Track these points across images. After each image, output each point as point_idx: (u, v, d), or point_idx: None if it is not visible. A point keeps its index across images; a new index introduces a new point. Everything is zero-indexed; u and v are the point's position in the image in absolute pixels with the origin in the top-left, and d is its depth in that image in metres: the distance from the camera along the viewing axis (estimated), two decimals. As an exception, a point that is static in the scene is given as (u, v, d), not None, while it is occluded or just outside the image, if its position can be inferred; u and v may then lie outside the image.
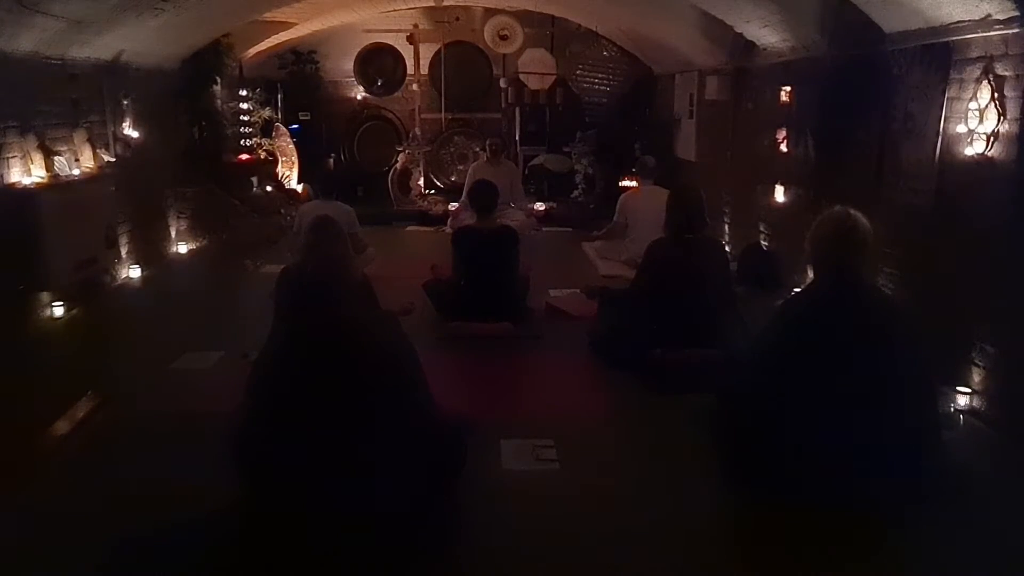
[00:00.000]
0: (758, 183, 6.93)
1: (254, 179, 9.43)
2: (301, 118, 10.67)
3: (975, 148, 3.88)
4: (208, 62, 8.10)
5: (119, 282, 6.44)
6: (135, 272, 6.66)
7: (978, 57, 3.88)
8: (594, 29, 10.53)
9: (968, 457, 3.47)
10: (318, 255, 3.32)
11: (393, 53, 11.08)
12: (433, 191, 10.98)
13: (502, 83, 11.10)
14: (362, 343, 2.78)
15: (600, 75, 10.95)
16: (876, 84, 4.91)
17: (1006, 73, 3.68)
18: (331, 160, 10.82)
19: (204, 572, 2.65)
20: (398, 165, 10.64)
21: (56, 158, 5.41)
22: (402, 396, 2.79)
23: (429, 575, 2.73)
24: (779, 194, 6.49)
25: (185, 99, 8.06)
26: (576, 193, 10.53)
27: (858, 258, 3.05)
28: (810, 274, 3.26)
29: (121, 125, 6.61)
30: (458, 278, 5.42)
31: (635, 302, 4.73)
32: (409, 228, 9.75)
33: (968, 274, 3.95)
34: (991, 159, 3.78)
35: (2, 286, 4.82)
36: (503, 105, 11.22)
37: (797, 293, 4.26)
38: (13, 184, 4.97)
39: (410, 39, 10.91)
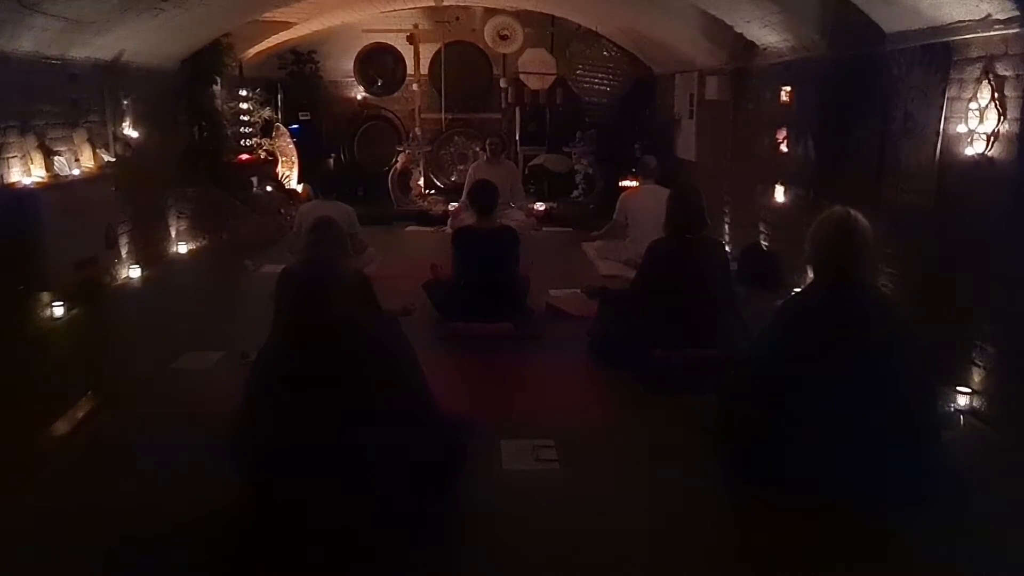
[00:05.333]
0: (758, 183, 6.93)
1: (254, 179, 9.43)
2: (301, 118, 10.67)
3: (975, 148, 3.88)
4: (208, 62, 8.10)
5: (119, 282, 6.44)
6: (135, 272, 6.66)
7: (978, 57, 3.88)
8: (594, 29, 10.53)
9: (968, 457, 3.47)
10: (318, 255, 3.33)
11: (393, 53, 11.09)
12: (433, 191, 10.98)
13: (502, 83, 11.11)
14: (361, 343, 2.78)
15: (600, 75, 10.95)
16: (876, 84, 4.91)
17: (1006, 73, 3.68)
18: (331, 160, 10.83)
19: (204, 572, 2.65)
20: (398, 165, 10.64)
21: (56, 158, 5.41)
22: (401, 396, 2.79)
23: (429, 575, 2.73)
24: (779, 194, 6.49)
25: (185, 99, 8.06)
26: (576, 193, 10.54)
27: (858, 258, 3.05)
28: (810, 274, 3.26)
29: (121, 125, 6.61)
30: (458, 278, 5.42)
31: (635, 302, 4.73)
32: (409, 228, 9.75)
33: (968, 274, 3.96)
34: (991, 159, 3.78)
35: (2, 286, 4.82)
36: (503, 105, 11.23)
37: (797, 293, 4.26)
38: (13, 184, 4.97)
39: (410, 39, 10.92)
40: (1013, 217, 3.62)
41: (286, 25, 9.28)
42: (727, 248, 6.13)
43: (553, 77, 10.84)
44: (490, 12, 10.92)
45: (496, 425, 3.74)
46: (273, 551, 2.61)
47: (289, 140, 10.18)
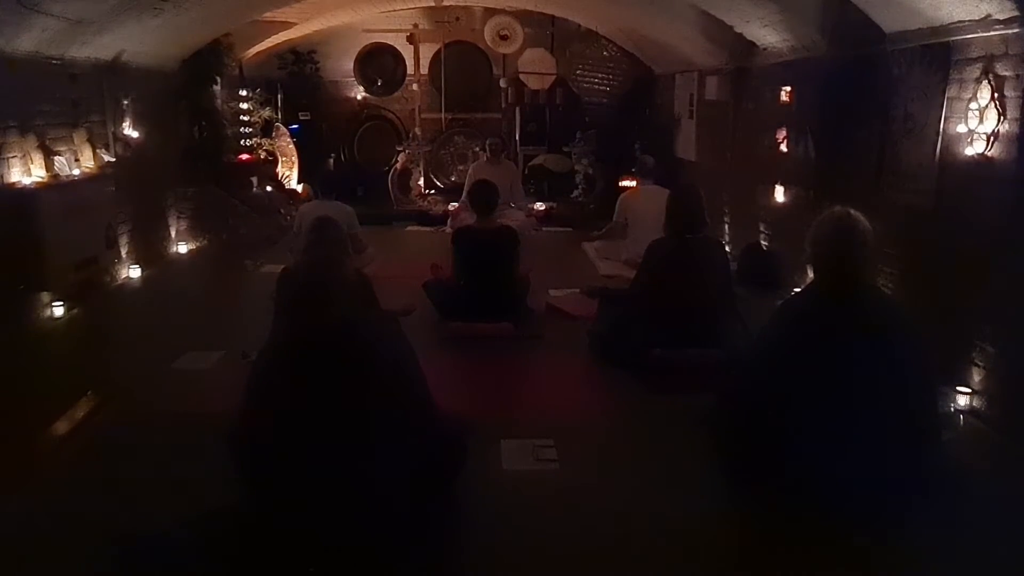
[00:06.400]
0: (758, 183, 6.93)
1: (254, 179, 9.43)
2: (301, 118, 10.67)
3: (975, 148, 3.88)
4: (208, 62, 8.10)
5: (119, 282, 6.44)
6: (135, 272, 6.66)
7: (978, 57, 3.88)
8: (594, 29, 10.53)
9: (968, 457, 3.47)
10: (318, 255, 3.33)
11: (393, 53, 11.09)
12: (433, 191, 10.98)
13: (502, 83, 11.11)
14: (361, 343, 2.78)
15: (600, 75, 10.95)
16: (876, 84, 4.91)
17: (1006, 73, 3.68)
18: (331, 160, 10.83)
19: (204, 572, 2.65)
20: (398, 165, 10.65)
21: (56, 158, 5.41)
22: (401, 396, 2.79)
23: (429, 575, 2.73)
24: (779, 194, 6.49)
25: (185, 99, 8.06)
26: (576, 193, 10.53)
27: (858, 258, 3.05)
28: (810, 274, 3.26)
29: (121, 125, 6.62)
30: (458, 278, 5.42)
31: (635, 302, 4.73)
32: (409, 228, 9.75)
33: (968, 274, 3.95)
34: (991, 159, 3.79)
35: (2, 286, 4.82)
36: (503, 105, 11.23)
37: (797, 293, 4.26)
38: (13, 184, 4.97)
39: (410, 39, 10.92)
40: (1013, 217, 3.62)
41: (286, 25, 9.28)
42: (727, 248, 6.13)
43: (553, 77, 10.84)
44: (490, 12, 10.92)
45: (496, 425, 3.74)
46: (273, 551, 2.61)
47: (289, 140, 10.18)
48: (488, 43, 10.97)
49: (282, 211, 9.02)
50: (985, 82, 3.79)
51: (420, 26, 10.99)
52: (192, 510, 2.86)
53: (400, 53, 11.06)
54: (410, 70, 11.02)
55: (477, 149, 10.55)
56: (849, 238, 3.02)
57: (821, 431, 2.89)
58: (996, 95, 3.72)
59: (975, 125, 3.87)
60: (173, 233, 7.83)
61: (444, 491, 3.01)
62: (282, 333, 3.00)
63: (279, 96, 10.55)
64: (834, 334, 2.98)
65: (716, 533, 3.02)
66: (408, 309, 4.70)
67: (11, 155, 4.97)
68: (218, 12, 7.00)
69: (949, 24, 4.01)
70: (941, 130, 4.20)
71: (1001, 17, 3.61)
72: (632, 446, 3.74)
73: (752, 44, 6.77)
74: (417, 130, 10.87)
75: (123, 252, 6.55)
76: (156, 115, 7.28)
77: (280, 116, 10.36)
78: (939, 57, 4.19)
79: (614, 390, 4.41)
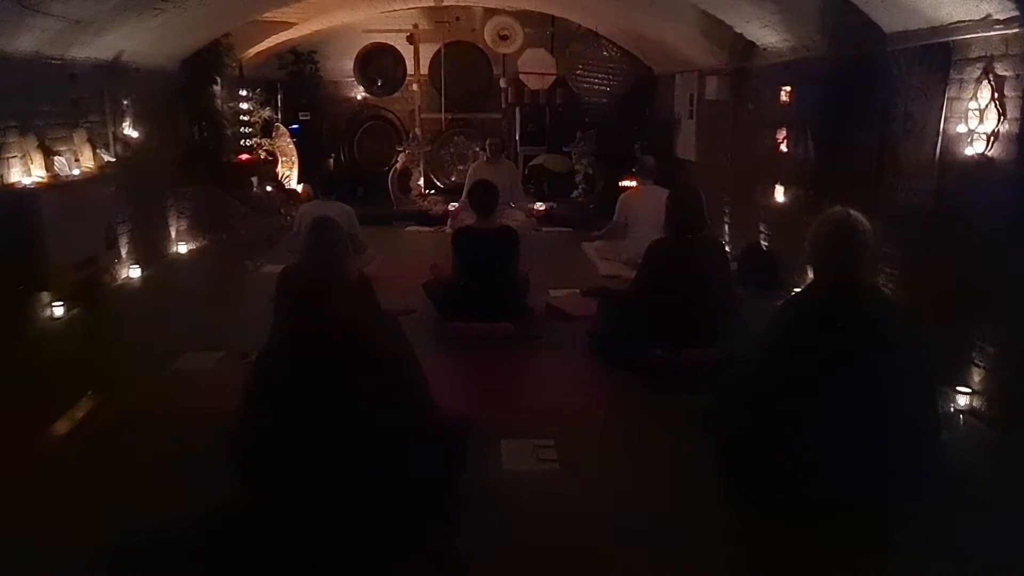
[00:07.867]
0: (758, 183, 6.93)
1: (254, 179, 9.43)
2: (301, 118, 10.67)
3: (975, 148, 3.88)
4: (208, 62, 8.09)
5: (119, 282, 6.44)
6: (135, 272, 6.66)
7: (978, 57, 3.88)
8: (594, 29, 10.53)
9: (968, 457, 3.47)
10: (318, 255, 3.33)
11: (393, 53, 11.09)
12: (433, 191, 10.98)
13: (502, 83, 11.12)
14: (361, 344, 2.78)
15: (600, 75, 10.95)
16: (876, 84, 4.91)
17: (1006, 73, 3.68)
18: (331, 160, 10.83)
19: (204, 572, 2.65)
20: (398, 165, 10.65)
21: (56, 158, 5.41)
22: (401, 397, 2.79)
23: (429, 575, 2.73)
24: (779, 194, 6.49)
25: (185, 99, 8.06)
26: (576, 193, 10.54)
27: (858, 258, 3.05)
28: (810, 274, 3.26)
29: (121, 125, 6.61)
30: (458, 278, 5.42)
31: (635, 302, 4.73)
32: (409, 228, 9.75)
33: (968, 274, 3.96)
34: (991, 159, 3.79)
35: (2, 286, 4.82)
36: (503, 105, 11.23)
37: (797, 293, 4.26)
38: (13, 184, 4.97)
39: (410, 39, 10.93)
40: (1013, 217, 3.62)
41: (286, 25, 9.28)
42: (727, 248, 6.13)
43: (553, 77, 10.84)
44: (490, 12, 10.92)
45: (496, 425, 3.74)
46: (273, 552, 2.61)
47: (289, 140, 10.18)
48: (488, 43, 10.97)
49: (282, 211, 9.02)
50: (985, 82, 3.79)
51: (420, 26, 11.00)
52: (192, 510, 2.86)
53: (400, 53, 11.06)
54: (410, 70, 11.01)
55: (477, 149, 10.55)
56: (849, 238, 3.02)
57: (821, 431, 2.89)
58: (996, 95, 3.73)
59: (975, 125, 3.87)
60: (173, 233, 7.83)
61: (444, 491, 3.01)
62: (282, 334, 3.00)
63: (279, 96, 10.55)
64: (834, 334, 2.98)
65: (716, 533, 3.02)
66: (408, 310, 4.70)
67: (11, 155, 4.96)
68: (218, 12, 6.99)
69: (949, 24, 4.01)
70: (941, 130, 4.20)
71: (1001, 17, 3.61)
72: (632, 446, 3.74)
73: (752, 44, 6.77)
74: (417, 130, 10.87)
75: (123, 252, 6.54)
76: (156, 115, 7.27)
77: (280, 116, 10.36)
78: (939, 57, 4.19)
79: (614, 390, 4.41)
